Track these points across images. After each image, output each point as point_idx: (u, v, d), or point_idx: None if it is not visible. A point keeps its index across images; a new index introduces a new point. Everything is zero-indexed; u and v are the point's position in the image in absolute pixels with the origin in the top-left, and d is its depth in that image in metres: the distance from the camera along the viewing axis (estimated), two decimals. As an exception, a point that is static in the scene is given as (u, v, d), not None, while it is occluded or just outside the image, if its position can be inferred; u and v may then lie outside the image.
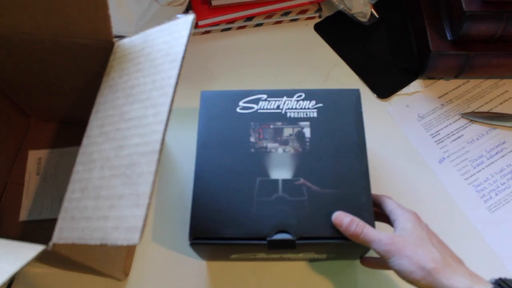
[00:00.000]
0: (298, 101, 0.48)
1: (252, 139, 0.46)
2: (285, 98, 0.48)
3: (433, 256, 0.38)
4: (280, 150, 0.45)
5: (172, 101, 0.32)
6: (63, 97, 0.52)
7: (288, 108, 0.48)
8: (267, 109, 0.48)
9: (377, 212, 0.46)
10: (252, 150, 0.45)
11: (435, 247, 0.39)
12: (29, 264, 0.28)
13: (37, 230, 0.52)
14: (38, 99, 0.53)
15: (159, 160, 0.30)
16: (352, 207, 0.42)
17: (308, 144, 0.46)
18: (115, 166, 0.33)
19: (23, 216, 0.53)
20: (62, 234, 0.32)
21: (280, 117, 0.47)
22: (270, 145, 0.46)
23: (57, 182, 0.54)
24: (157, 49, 0.37)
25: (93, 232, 0.31)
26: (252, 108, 0.48)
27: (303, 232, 0.41)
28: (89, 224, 0.31)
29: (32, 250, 0.30)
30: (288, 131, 0.46)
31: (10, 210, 0.53)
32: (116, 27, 0.41)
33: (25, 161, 0.56)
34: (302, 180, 0.44)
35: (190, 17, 0.36)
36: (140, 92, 0.35)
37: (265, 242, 0.41)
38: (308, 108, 0.48)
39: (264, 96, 0.49)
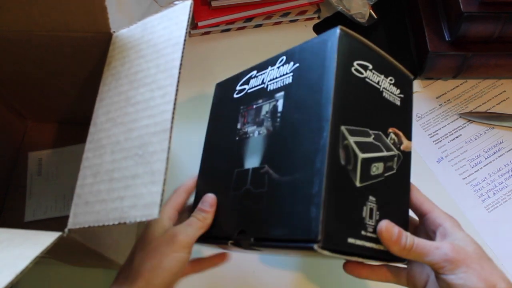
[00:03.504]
0: (279, 67, 0.39)
1: (239, 125, 0.41)
2: (269, 68, 0.41)
3: (501, 275, 0.32)
4: (256, 133, 0.39)
5: (178, 81, 0.33)
6: (61, 96, 0.52)
7: (270, 80, 0.40)
8: (254, 87, 0.42)
9: None
10: (237, 138, 0.40)
11: (496, 265, 0.33)
12: (35, 261, 0.28)
13: (44, 230, 0.52)
14: (35, 99, 0.53)
15: (171, 138, 0.31)
16: (298, 200, 0.32)
17: (278, 120, 0.37)
18: (126, 149, 0.33)
19: (28, 216, 0.53)
20: (77, 219, 0.32)
21: (262, 93, 0.40)
22: (250, 129, 0.40)
23: (59, 181, 0.55)
24: (158, 35, 0.37)
25: (110, 213, 0.31)
26: (244, 90, 0.43)
27: (256, 233, 0.34)
28: (104, 206, 0.32)
29: (49, 236, 0.30)
30: (265, 108, 0.39)
31: (14, 212, 0.53)
32: (116, 28, 0.41)
33: (26, 163, 0.56)
34: (266, 168, 0.36)
35: (188, 2, 0.36)
36: (144, 77, 0.36)
37: (228, 242, 0.37)
38: (286, 74, 0.38)
39: (254, 72, 0.42)
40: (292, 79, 0.37)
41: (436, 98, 0.62)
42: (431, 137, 0.59)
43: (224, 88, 0.46)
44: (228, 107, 0.43)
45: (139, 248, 0.37)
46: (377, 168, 0.34)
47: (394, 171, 0.36)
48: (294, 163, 0.34)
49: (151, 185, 0.30)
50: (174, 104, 0.32)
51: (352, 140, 0.33)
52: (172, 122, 0.31)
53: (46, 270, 0.51)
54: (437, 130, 0.59)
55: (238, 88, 0.43)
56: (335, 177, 0.31)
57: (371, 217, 0.33)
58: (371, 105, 0.35)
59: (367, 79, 0.35)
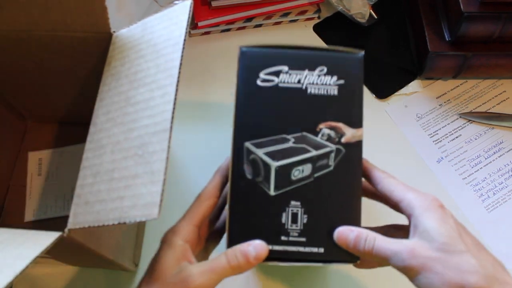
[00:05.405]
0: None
1: None
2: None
3: (471, 270, 0.28)
4: None
5: (178, 81, 0.33)
6: (61, 96, 0.52)
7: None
8: None
9: (369, 191, 0.38)
10: None
11: (472, 254, 0.29)
12: (35, 261, 0.28)
13: (44, 229, 0.52)
14: (35, 99, 0.53)
15: (170, 138, 0.31)
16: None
17: None
18: (126, 148, 0.33)
19: (28, 216, 0.53)
20: (77, 219, 0.33)
21: None
22: None
23: (59, 181, 0.55)
24: (158, 35, 0.37)
25: (110, 213, 0.31)
26: None
27: None
28: (104, 206, 0.32)
29: (49, 237, 0.30)
30: None
31: (15, 212, 0.53)
32: (116, 28, 0.41)
33: (26, 163, 0.56)
34: None
35: (188, 2, 0.36)
36: (144, 77, 0.36)
37: None
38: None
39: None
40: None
41: (436, 98, 0.62)
42: (431, 137, 0.59)
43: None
44: None
45: (144, 283, 0.32)
46: (300, 172, 0.35)
47: (331, 168, 0.35)
48: None
49: (151, 185, 0.30)
50: (174, 104, 0.32)
51: (260, 152, 0.35)
52: (172, 122, 0.31)
53: (46, 270, 0.51)
54: (437, 130, 0.60)
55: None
56: (240, 192, 0.34)
57: (294, 221, 0.34)
58: (289, 109, 0.36)
59: (280, 84, 0.36)
